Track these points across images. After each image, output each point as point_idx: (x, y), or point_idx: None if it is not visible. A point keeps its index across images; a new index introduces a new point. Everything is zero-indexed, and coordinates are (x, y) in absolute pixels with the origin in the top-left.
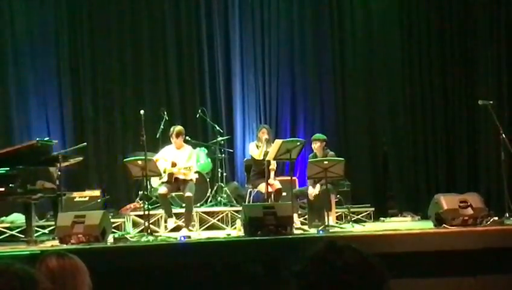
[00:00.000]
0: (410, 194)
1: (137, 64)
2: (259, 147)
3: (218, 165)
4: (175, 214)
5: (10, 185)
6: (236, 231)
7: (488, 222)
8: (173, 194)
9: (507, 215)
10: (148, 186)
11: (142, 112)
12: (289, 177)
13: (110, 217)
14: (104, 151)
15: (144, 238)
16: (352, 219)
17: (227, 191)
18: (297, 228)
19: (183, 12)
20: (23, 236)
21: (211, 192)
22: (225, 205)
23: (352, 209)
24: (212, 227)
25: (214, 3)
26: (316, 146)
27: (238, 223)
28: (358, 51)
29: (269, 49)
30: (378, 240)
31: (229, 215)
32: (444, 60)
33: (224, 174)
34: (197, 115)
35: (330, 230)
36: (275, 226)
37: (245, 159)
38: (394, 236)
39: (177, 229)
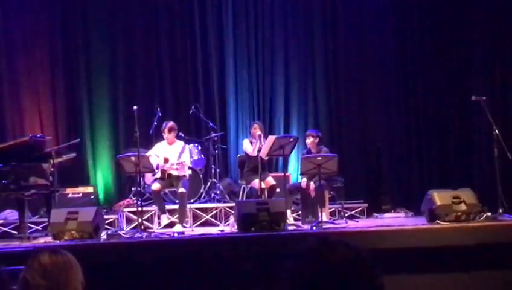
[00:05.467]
0: (404, 190)
1: (131, 60)
2: (253, 143)
3: (212, 161)
4: (168, 210)
5: (3, 181)
6: (229, 227)
7: (481, 218)
8: (166, 190)
9: (500, 211)
10: (142, 183)
11: (135, 108)
12: (282, 174)
13: (103, 213)
14: (97, 147)
15: (137, 235)
16: (346, 215)
17: (221, 187)
18: (290, 224)
19: (176, 9)
20: (16, 232)
21: (204, 188)
22: (218, 201)
23: (345, 205)
24: (206, 223)
25: (207, 0)
26: (309, 141)
27: (232, 219)
28: (351, 48)
29: (262, 46)
30: (372, 236)
31: (223, 211)
32: (437, 55)
33: (218, 170)
34: (191, 111)
35: (324, 226)
36: (268, 222)
37: (238, 155)
38: (387, 232)
39: (170, 225)
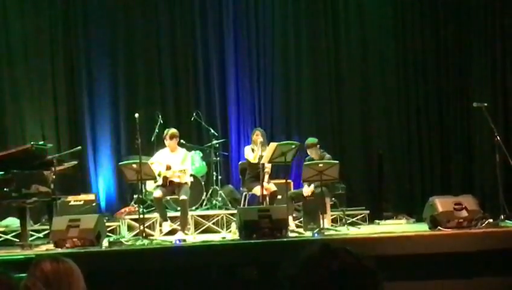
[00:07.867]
0: (405, 196)
1: (132, 67)
2: (254, 150)
3: (213, 168)
4: (170, 217)
5: (5, 189)
6: (231, 234)
7: (483, 224)
8: (168, 197)
9: (502, 217)
10: (143, 190)
11: (136, 115)
12: (284, 180)
13: (105, 220)
14: (99, 155)
15: (139, 242)
16: (347, 222)
17: (222, 194)
18: (292, 231)
19: (177, 16)
20: (18, 240)
21: (206, 195)
22: (220, 208)
23: (347, 212)
24: (207, 230)
25: (208, 7)
26: (311, 151)
27: (233, 226)
28: (353, 55)
29: (264, 52)
30: (373, 243)
31: (224, 218)
32: (439, 62)
33: (219, 177)
34: (192, 118)
35: (325, 233)
36: (270, 229)
37: (240, 162)
38: (389, 239)
39: (172, 232)
